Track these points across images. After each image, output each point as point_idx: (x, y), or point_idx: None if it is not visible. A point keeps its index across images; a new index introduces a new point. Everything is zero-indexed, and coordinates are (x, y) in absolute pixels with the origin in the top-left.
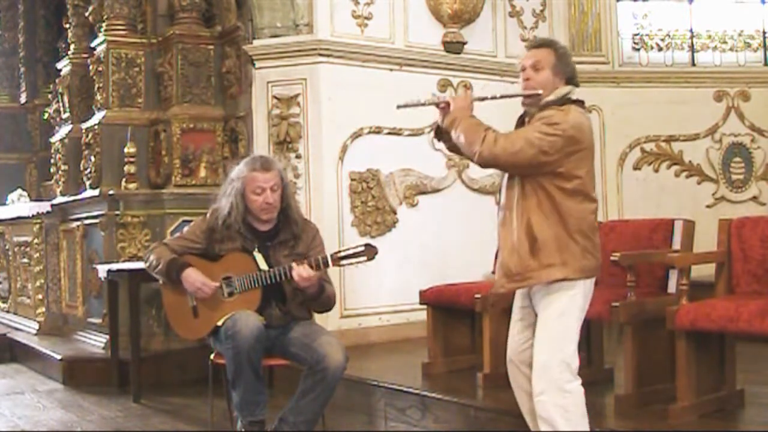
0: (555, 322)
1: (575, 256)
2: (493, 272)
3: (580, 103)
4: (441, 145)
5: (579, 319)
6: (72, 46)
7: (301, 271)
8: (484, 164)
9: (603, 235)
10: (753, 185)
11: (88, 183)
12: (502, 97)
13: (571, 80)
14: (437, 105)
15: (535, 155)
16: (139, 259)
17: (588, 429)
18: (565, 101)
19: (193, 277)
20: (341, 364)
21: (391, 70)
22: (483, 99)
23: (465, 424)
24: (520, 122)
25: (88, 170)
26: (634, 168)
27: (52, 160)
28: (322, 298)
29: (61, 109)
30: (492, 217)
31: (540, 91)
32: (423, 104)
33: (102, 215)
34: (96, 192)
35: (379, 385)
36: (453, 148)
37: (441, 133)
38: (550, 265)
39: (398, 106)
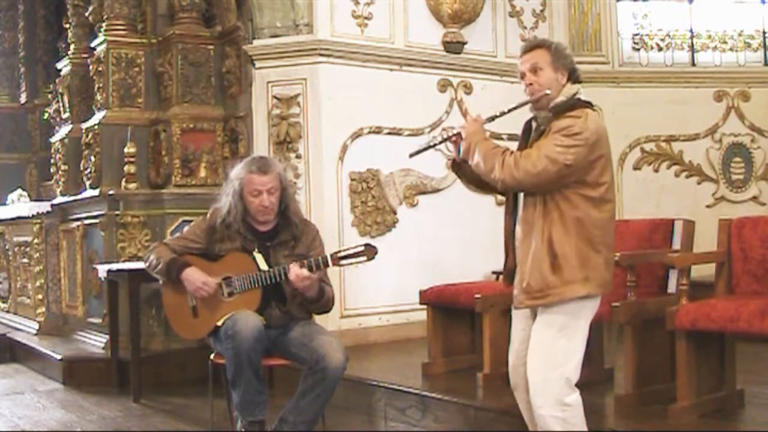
0: (557, 336)
1: (597, 270)
2: (494, 272)
3: (590, 105)
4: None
5: (584, 334)
6: (72, 46)
7: (298, 272)
8: (508, 190)
9: None
10: (753, 185)
11: (88, 183)
12: (510, 110)
13: (573, 73)
14: (449, 140)
15: (559, 170)
16: (139, 259)
17: None
18: (575, 103)
19: (194, 276)
20: (341, 364)
21: (391, 70)
22: (493, 118)
23: (465, 424)
24: (528, 127)
25: (88, 170)
26: (634, 168)
27: (52, 160)
28: (321, 301)
29: (61, 109)
30: (492, 217)
31: (548, 91)
32: (435, 145)
33: (102, 215)
34: (96, 192)
35: (379, 385)
36: (473, 182)
37: (459, 167)
38: (571, 282)
39: (411, 155)
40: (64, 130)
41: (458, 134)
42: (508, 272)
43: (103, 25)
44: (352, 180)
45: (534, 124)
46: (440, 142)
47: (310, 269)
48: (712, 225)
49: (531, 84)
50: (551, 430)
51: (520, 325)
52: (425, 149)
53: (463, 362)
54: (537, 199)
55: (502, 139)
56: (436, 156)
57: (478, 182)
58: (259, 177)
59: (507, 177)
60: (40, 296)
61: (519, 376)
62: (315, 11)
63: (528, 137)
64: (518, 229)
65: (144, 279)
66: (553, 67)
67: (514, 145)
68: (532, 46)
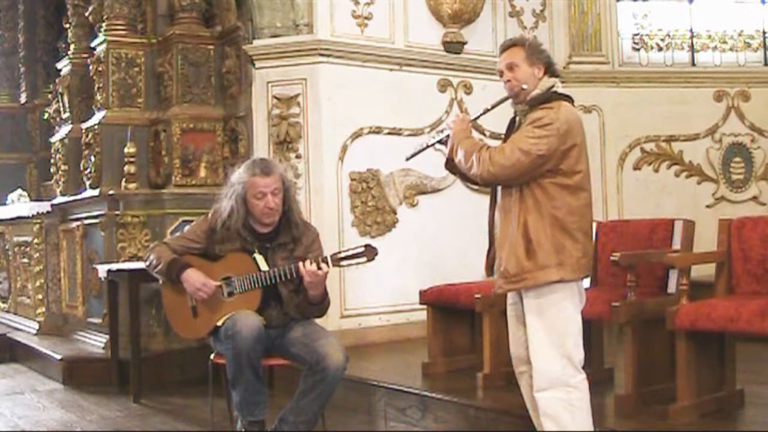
0: (551, 319)
1: (573, 256)
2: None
3: (568, 99)
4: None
5: (576, 313)
6: (72, 46)
7: (308, 267)
8: (486, 184)
9: (603, 235)
10: (753, 185)
11: (88, 183)
12: (493, 107)
13: (550, 67)
14: (443, 142)
15: (532, 161)
16: (139, 259)
17: (592, 425)
18: (551, 96)
19: (193, 277)
20: (341, 365)
21: (391, 70)
22: (478, 117)
23: (465, 424)
24: (512, 123)
25: (88, 170)
26: (634, 168)
27: (52, 160)
28: (323, 304)
29: (61, 109)
30: None
31: (524, 86)
32: (430, 146)
33: (102, 215)
34: (96, 192)
35: (379, 385)
36: (468, 179)
37: (453, 165)
38: (546, 267)
39: (407, 158)
40: (64, 130)
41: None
42: (490, 263)
43: (103, 25)
44: (352, 180)
45: (517, 119)
46: (435, 143)
47: (318, 266)
48: (712, 225)
49: (509, 81)
50: (556, 417)
51: (511, 313)
52: (421, 151)
53: (463, 362)
54: (513, 188)
55: (484, 135)
56: (436, 156)
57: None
58: (262, 179)
59: (483, 172)
60: (40, 296)
61: (521, 362)
62: (315, 11)
63: (510, 132)
64: (496, 216)
65: (144, 279)
66: (528, 62)
67: (493, 143)
68: (508, 45)
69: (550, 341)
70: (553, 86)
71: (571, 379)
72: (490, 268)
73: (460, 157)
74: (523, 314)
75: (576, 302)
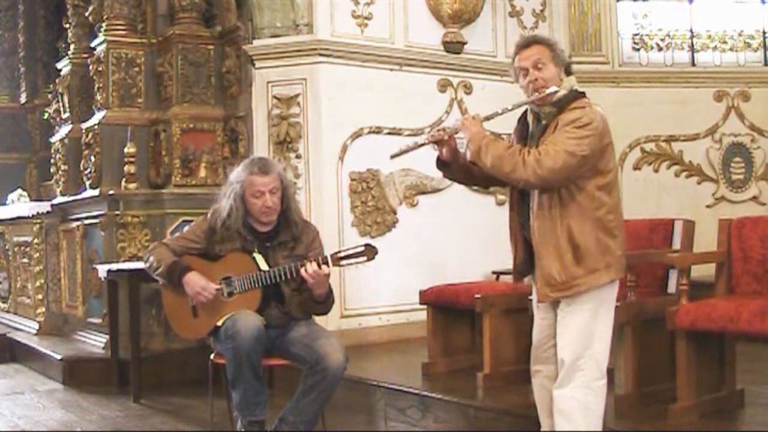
0: (588, 319)
1: (615, 254)
2: (494, 272)
3: (583, 94)
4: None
5: (611, 317)
6: (72, 46)
7: (309, 270)
8: (531, 188)
9: None
10: (753, 185)
11: (88, 183)
12: (514, 107)
13: (568, 67)
14: (440, 141)
15: (578, 163)
16: (139, 259)
17: (601, 428)
18: (576, 95)
19: (194, 281)
20: (341, 365)
21: (391, 70)
22: (492, 116)
23: (465, 424)
24: (523, 120)
25: (88, 170)
26: (634, 168)
27: (52, 160)
28: (328, 301)
29: (61, 109)
30: (492, 217)
31: (556, 89)
32: (419, 146)
33: (102, 215)
34: (96, 192)
35: (379, 385)
36: (457, 178)
37: (445, 165)
38: (595, 270)
39: (392, 156)
40: (64, 130)
41: (450, 136)
42: (518, 268)
43: (103, 25)
44: (352, 180)
45: (530, 119)
46: (427, 143)
47: (319, 266)
48: (712, 225)
49: (536, 80)
50: (569, 416)
51: (539, 315)
52: (408, 151)
53: (463, 362)
54: (553, 194)
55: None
56: (436, 156)
57: (465, 178)
58: (260, 178)
59: (531, 176)
60: (40, 296)
61: (537, 360)
62: (315, 11)
63: (525, 132)
64: (535, 224)
65: (144, 279)
66: (554, 62)
67: None
68: (530, 42)
69: (582, 342)
70: (574, 84)
71: (594, 382)
72: (518, 273)
73: (491, 161)
74: (550, 314)
75: (613, 305)
